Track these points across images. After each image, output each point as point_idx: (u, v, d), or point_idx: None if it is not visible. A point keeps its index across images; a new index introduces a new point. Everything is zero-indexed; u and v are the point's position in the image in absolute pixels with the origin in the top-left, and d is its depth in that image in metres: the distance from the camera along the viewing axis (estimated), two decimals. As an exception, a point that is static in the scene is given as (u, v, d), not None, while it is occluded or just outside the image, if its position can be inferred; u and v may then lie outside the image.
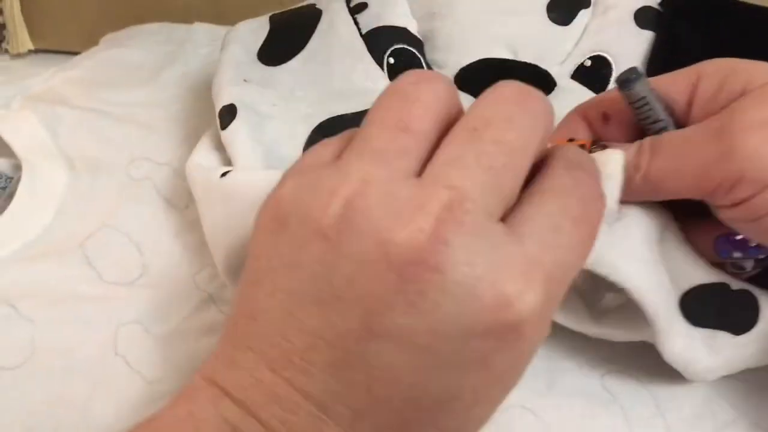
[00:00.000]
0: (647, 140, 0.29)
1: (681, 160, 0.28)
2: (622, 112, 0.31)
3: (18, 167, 0.45)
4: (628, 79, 0.29)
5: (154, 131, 0.49)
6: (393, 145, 0.22)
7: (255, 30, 0.45)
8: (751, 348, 0.32)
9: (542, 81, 0.39)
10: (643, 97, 0.30)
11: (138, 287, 0.39)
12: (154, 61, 0.54)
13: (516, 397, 0.34)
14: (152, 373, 0.36)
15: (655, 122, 0.30)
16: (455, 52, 0.42)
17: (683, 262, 0.31)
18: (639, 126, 0.31)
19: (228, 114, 0.39)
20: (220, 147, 0.40)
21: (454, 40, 0.43)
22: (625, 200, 0.30)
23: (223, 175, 0.36)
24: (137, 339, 0.37)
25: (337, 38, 0.42)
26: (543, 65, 0.41)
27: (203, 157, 0.40)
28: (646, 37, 0.42)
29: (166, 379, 0.35)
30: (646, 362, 0.32)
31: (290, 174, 0.23)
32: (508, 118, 0.22)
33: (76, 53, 0.56)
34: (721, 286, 0.31)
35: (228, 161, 0.39)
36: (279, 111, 0.39)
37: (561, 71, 0.41)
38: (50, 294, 0.38)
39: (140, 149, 0.47)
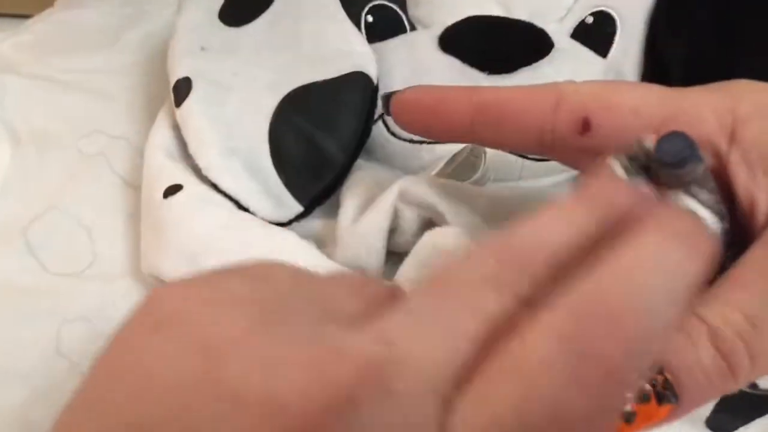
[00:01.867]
0: (722, 322, 0.18)
1: None
2: (616, 128, 0.21)
3: (-43, 142, 0.41)
4: (684, 157, 0.19)
5: (111, 101, 0.44)
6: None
7: (217, -14, 0.40)
8: None
9: (538, 42, 0.35)
10: (699, 184, 0.20)
11: (86, 279, 0.35)
12: (113, 24, 0.50)
13: None
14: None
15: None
16: (440, 9, 0.37)
17: None
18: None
19: (183, 88, 0.35)
20: (177, 123, 0.36)
21: (439, -6, 0.38)
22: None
23: (169, 192, 0.33)
24: (83, 338, 0.33)
25: (308, -7, 0.38)
26: (539, 22, 0.36)
27: (161, 135, 0.36)
28: (654, -11, 0.37)
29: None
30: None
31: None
32: (485, 280, 0.17)
33: (29, 17, 0.51)
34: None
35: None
36: (241, 81, 0.35)
37: (560, 29, 0.37)
38: (-13, 287, 0.34)
39: (94, 121, 0.43)
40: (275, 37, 0.37)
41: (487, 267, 0.17)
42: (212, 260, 0.30)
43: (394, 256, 0.32)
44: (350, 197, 0.34)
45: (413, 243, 0.30)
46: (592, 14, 0.36)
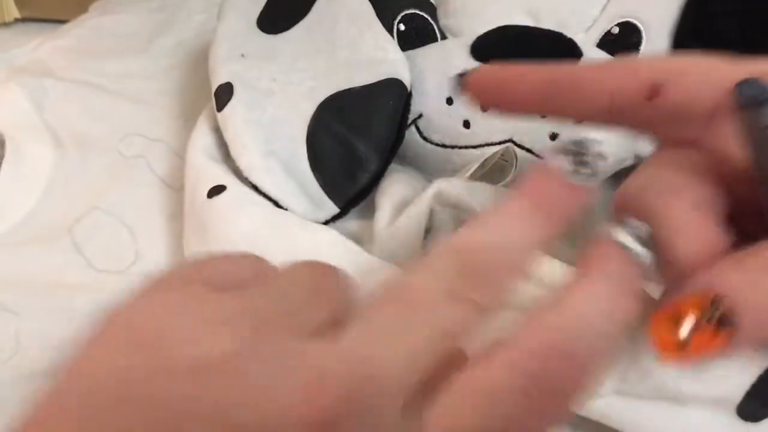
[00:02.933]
0: None
1: None
2: (686, 92, 0.21)
3: (2, 143, 0.42)
4: (760, 97, 0.19)
5: (146, 105, 0.46)
6: None
7: (254, -5, 0.41)
8: None
9: (567, 51, 0.36)
10: None
11: (131, 276, 0.36)
12: (146, 30, 0.52)
13: None
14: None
15: None
16: (471, 18, 0.39)
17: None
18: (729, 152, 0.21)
19: (224, 93, 0.36)
20: (218, 126, 0.37)
21: (469, 4, 0.39)
22: None
23: (213, 192, 0.34)
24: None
25: (343, 3, 0.39)
26: (566, 33, 0.37)
27: (203, 138, 0.37)
28: (679, 1, 0.38)
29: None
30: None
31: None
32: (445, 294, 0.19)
33: (64, 22, 0.53)
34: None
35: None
36: (280, 86, 0.36)
37: (586, 39, 0.38)
38: (36, 283, 0.36)
39: (132, 124, 0.44)
40: (312, 45, 0.38)
41: (447, 279, 0.19)
42: (257, 258, 0.31)
43: (429, 255, 0.33)
44: (386, 199, 0.35)
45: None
46: (618, 25, 0.38)
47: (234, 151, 0.35)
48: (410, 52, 0.39)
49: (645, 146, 0.37)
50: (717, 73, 0.21)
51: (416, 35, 0.40)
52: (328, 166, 0.35)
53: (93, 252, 0.37)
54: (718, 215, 0.22)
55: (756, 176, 0.21)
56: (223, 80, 0.37)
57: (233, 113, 0.36)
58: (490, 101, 0.25)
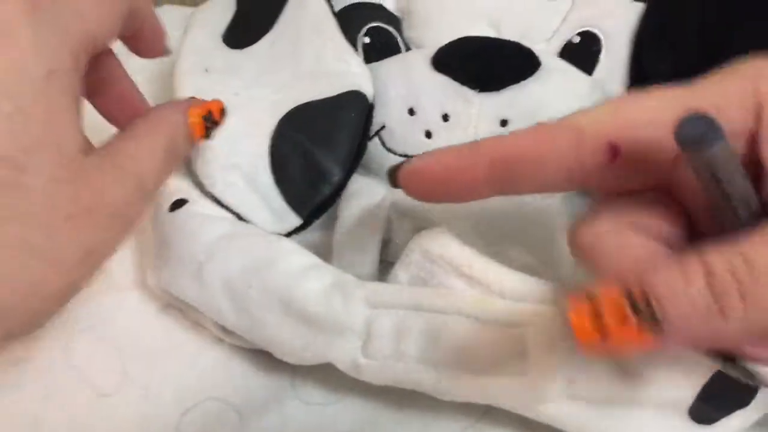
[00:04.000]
0: (721, 263, 0.18)
1: None
2: (643, 144, 0.21)
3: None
4: (702, 137, 0.18)
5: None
6: None
7: (221, 11, 0.42)
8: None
9: (526, 61, 0.36)
10: (722, 164, 0.19)
11: (96, 290, 0.36)
12: (120, 46, 0.52)
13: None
14: (109, 386, 0.33)
15: (729, 197, 0.20)
16: (433, 30, 0.39)
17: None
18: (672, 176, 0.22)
19: None
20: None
21: (432, 16, 0.40)
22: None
23: (175, 205, 0.34)
24: (93, 347, 0.34)
25: (307, 16, 0.40)
26: (528, 42, 0.37)
27: None
28: (638, 9, 0.39)
29: (125, 392, 0.33)
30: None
31: None
32: None
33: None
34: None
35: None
36: (242, 101, 0.37)
37: (547, 49, 0.38)
38: (-1, 299, 0.36)
39: (101, 139, 0.44)
40: (275, 59, 0.38)
41: None
42: (216, 267, 0.32)
43: (389, 265, 0.33)
44: (347, 209, 0.35)
45: (407, 253, 0.31)
46: (579, 34, 0.38)
47: (196, 165, 0.35)
48: (374, 64, 0.39)
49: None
50: (662, 115, 0.21)
51: (381, 48, 0.40)
52: (290, 178, 0.35)
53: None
54: (671, 244, 0.22)
55: (709, 211, 0.21)
56: (186, 95, 0.37)
57: (195, 127, 0.36)
58: (430, 196, 0.24)
